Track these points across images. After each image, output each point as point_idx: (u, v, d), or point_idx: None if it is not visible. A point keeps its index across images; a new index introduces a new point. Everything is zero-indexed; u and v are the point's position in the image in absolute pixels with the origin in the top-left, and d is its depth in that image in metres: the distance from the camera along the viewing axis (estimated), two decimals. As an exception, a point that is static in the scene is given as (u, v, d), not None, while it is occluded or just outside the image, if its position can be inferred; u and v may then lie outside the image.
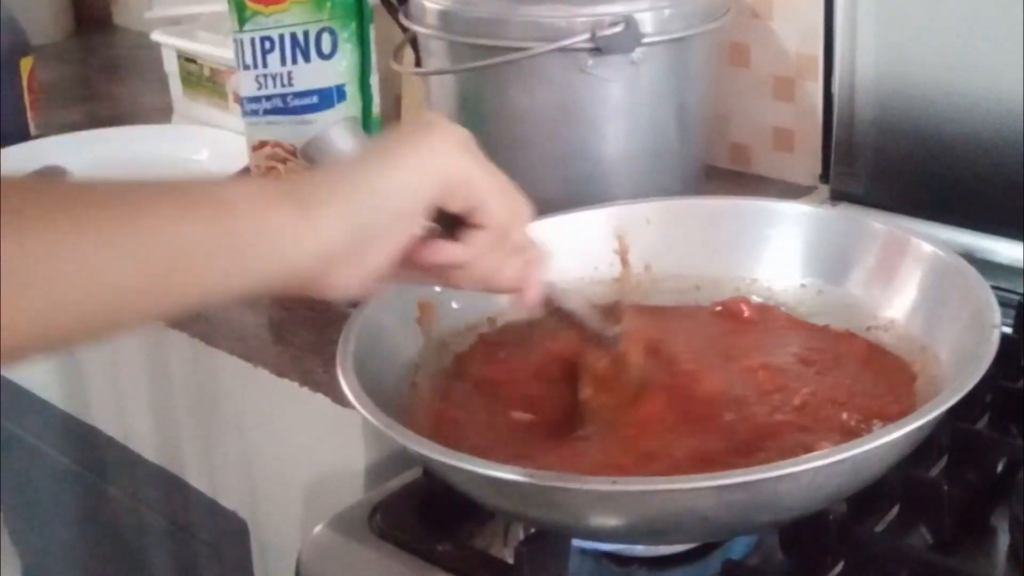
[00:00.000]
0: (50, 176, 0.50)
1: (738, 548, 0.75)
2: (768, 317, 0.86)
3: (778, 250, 0.88)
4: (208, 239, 0.55)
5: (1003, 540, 0.74)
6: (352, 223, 0.58)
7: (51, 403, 1.24)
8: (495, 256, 0.65)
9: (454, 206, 0.62)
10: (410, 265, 0.63)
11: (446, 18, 1.09)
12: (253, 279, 0.57)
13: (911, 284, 0.82)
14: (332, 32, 1.07)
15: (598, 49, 1.03)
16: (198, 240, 0.54)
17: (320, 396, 0.91)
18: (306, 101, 1.08)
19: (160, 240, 0.53)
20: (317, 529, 0.79)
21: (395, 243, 0.61)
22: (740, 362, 0.80)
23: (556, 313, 0.73)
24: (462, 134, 0.63)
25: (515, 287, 0.68)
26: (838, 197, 1.13)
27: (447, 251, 0.63)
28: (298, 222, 0.57)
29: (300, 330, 1.00)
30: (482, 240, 0.64)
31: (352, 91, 1.09)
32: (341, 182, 0.59)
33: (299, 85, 1.08)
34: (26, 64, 1.41)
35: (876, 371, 0.79)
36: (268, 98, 1.09)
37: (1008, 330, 0.80)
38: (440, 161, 0.61)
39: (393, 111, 1.28)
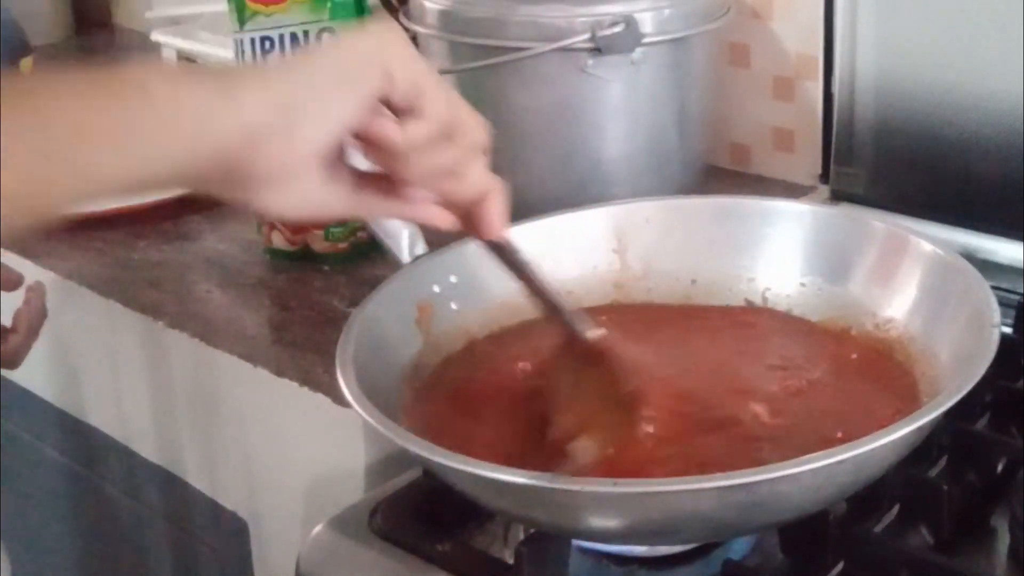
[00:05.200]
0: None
1: (738, 548, 0.75)
2: (763, 319, 0.86)
3: (778, 249, 0.88)
4: (116, 115, 0.53)
5: (1003, 540, 0.74)
6: (277, 97, 0.57)
7: (51, 403, 1.24)
8: (444, 153, 0.63)
9: (396, 96, 0.60)
10: (354, 181, 0.62)
11: (446, 18, 1.09)
12: (174, 156, 0.55)
13: (911, 284, 0.82)
14: (332, 32, 1.07)
15: (598, 49, 1.03)
16: (103, 116, 0.53)
17: (320, 396, 0.91)
18: (306, 101, 1.08)
19: (62, 116, 0.52)
20: (317, 529, 0.79)
21: (328, 121, 0.59)
22: (739, 363, 0.80)
23: (530, 289, 0.71)
24: (401, 31, 0.62)
25: (471, 198, 0.66)
26: (838, 197, 1.13)
27: (385, 127, 0.60)
28: (218, 97, 0.56)
29: (300, 330, 1.00)
30: (422, 129, 0.61)
31: (352, 91, 1.09)
32: (271, 67, 0.59)
33: (299, 85, 1.08)
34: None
35: (876, 371, 0.79)
36: (268, 98, 1.08)
37: (1008, 330, 0.80)
38: (382, 45, 0.60)
39: (393, 111, 1.28)
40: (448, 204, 0.66)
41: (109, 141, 0.53)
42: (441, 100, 0.61)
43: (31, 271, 1.07)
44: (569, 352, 0.72)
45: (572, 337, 0.72)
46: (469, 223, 0.67)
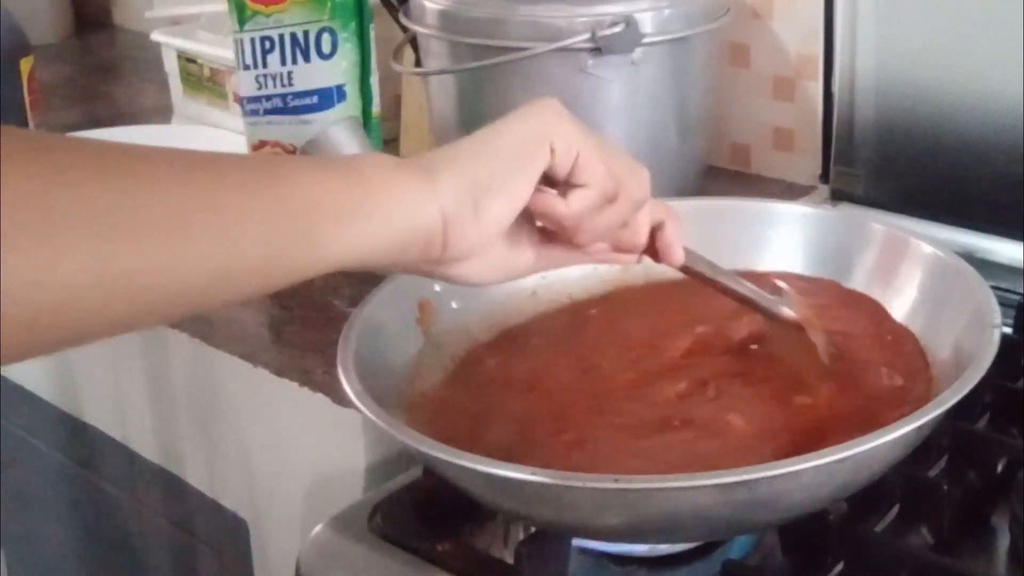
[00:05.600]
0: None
1: (738, 548, 0.75)
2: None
3: (778, 251, 0.88)
4: (344, 198, 0.57)
5: (1003, 540, 0.74)
6: (468, 180, 0.61)
7: (51, 403, 1.24)
8: (609, 215, 0.66)
9: (560, 168, 0.64)
10: (537, 240, 0.67)
11: (446, 18, 1.09)
12: (387, 238, 0.59)
13: (911, 284, 0.82)
14: (332, 32, 1.07)
15: (598, 49, 1.03)
16: (336, 199, 0.57)
17: (320, 396, 0.91)
18: (306, 101, 1.08)
19: (302, 198, 0.56)
20: (317, 529, 0.79)
21: (510, 199, 0.62)
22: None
23: (720, 289, 0.75)
24: (559, 104, 0.65)
25: (642, 243, 0.70)
26: (838, 197, 1.13)
27: (549, 201, 0.64)
28: (421, 184, 0.60)
29: (300, 330, 1.00)
30: (584, 197, 0.64)
31: (352, 91, 1.09)
32: (456, 149, 0.63)
33: (299, 85, 1.08)
34: (26, 64, 1.41)
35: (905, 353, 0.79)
36: (268, 98, 1.09)
37: (1008, 330, 0.80)
38: (545, 122, 0.64)
39: (393, 111, 1.28)
40: (624, 248, 0.70)
41: (339, 220, 0.57)
42: (599, 168, 0.64)
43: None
44: (775, 328, 0.78)
45: (774, 318, 0.77)
46: (650, 254, 0.71)
